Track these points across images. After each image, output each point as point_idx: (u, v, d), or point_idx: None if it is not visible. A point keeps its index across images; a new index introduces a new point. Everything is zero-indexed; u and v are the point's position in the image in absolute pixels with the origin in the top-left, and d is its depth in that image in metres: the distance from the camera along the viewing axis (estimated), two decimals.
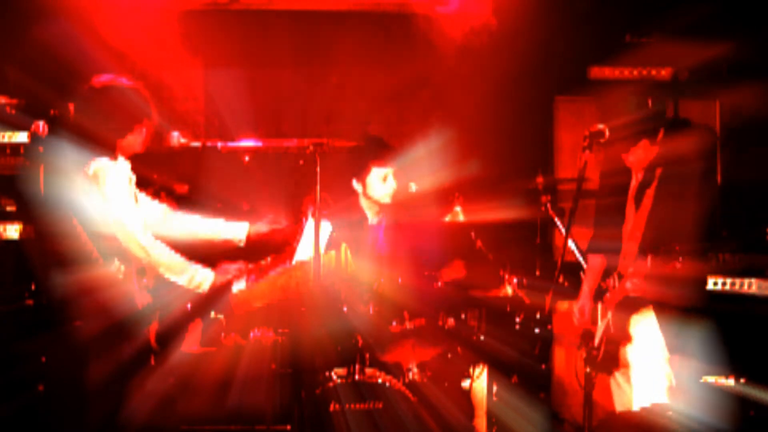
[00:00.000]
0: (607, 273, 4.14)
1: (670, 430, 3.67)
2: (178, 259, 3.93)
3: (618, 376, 4.05)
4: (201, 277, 3.94)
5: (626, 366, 3.97)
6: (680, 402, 3.76)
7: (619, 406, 4.08)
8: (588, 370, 4.02)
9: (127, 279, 3.82)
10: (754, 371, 4.03)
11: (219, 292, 4.02)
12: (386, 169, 4.78)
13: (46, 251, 3.83)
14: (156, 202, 4.21)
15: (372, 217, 4.89)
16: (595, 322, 4.11)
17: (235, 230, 4.34)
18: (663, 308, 3.79)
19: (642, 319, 3.88)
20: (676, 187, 3.82)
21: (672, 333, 3.79)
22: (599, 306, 4.11)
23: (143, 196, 4.15)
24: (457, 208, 5.21)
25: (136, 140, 3.99)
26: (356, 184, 4.83)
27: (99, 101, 3.90)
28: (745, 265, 4.47)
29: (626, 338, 3.91)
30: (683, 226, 3.68)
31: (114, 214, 3.78)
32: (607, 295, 4.01)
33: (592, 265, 4.30)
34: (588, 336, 4.11)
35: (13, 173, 4.79)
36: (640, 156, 3.99)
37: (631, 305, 3.88)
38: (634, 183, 4.07)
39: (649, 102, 3.93)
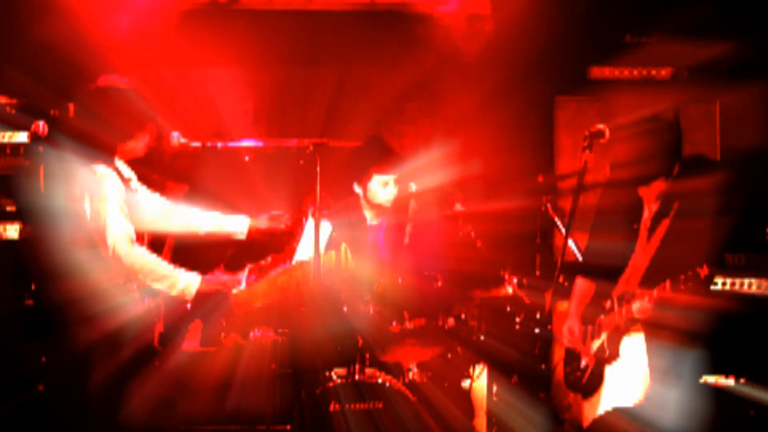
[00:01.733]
0: (600, 295, 4.08)
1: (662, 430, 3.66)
2: (159, 266, 3.87)
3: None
4: (184, 283, 3.88)
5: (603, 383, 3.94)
6: (670, 405, 3.75)
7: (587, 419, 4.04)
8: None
9: (123, 280, 3.81)
10: (754, 371, 4.02)
11: (217, 294, 4.01)
12: (388, 176, 4.79)
13: (45, 252, 3.82)
14: (157, 195, 4.16)
15: (371, 219, 4.89)
16: (583, 343, 4.05)
17: (236, 224, 4.31)
18: (657, 331, 3.74)
19: (631, 339, 3.84)
20: (691, 223, 3.77)
21: (662, 356, 3.75)
22: (589, 328, 4.04)
23: (144, 190, 4.12)
24: (458, 207, 5.20)
25: (137, 145, 3.96)
26: (357, 188, 4.85)
27: (102, 103, 3.87)
28: (745, 264, 4.47)
29: (615, 359, 3.87)
30: (691, 263, 3.63)
31: (98, 223, 3.75)
32: (603, 317, 3.95)
33: (580, 289, 4.19)
34: (572, 357, 4.08)
35: (13, 173, 4.78)
36: (654, 190, 3.94)
37: (624, 327, 3.84)
38: (647, 215, 4.00)
39: (666, 137, 3.86)
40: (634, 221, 3.97)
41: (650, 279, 3.73)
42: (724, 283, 4.31)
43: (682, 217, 3.80)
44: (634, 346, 3.81)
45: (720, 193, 3.75)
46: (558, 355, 5.06)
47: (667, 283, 3.51)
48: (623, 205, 4.04)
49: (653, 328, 3.72)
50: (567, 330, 4.10)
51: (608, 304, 3.91)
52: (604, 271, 4.03)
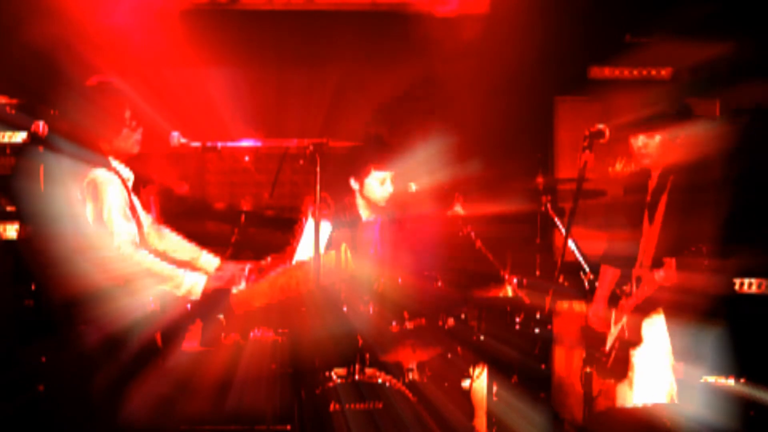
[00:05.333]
0: (622, 280, 4.12)
1: (664, 426, 3.67)
2: (164, 267, 3.87)
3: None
4: (190, 283, 3.89)
5: (632, 369, 3.96)
6: (678, 401, 3.76)
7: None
8: (588, 370, 4.02)
9: (127, 282, 3.81)
10: (754, 371, 4.03)
11: (218, 293, 4.01)
12: (385, 173, 4.78)
13: (45, 253, 3.82)
14: (144, 213, 4.17)
15: (367, 216, 4.89)
16: (608, 327, 4.09)
17: (208, 262, 4.26)
18: (676, 313, 3.75)
19: (652, 323, 3.86)
20: (688, 196, 3.78)
21: (683, 338, 3.76)
22: (613, 312, 4.08)
23: (137, 203, 4.11)
24: (458, 207, 5.20)
25: (126, 143, 3.95)
26: (354, 183, 4.84)
27: (83, 104, 3.87)
28: (746, 265, 4.47)
29: (638, 342, 3.89)
30: (696, 237, 3.63)
31: (101, 226, 3.75)
32: (623, 300, 3.98)
33: (604, 275, 4.28)
34: (597, 341, 4.09)
35: (13, 173, 4.78)
36: (655, 149, 3.93)
37: (644, 310, 3.86)
38: (649, 189, 4.03)
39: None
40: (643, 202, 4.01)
41: (659, 258, 3.74)
42: None
43: (677, 191, 3.82)
44: (656, 328, 3.82)
45: (717, 163, 3.76)
46: (558, 355, 5.07)
47: (673, 261, 3.52)
48: (636, 185, 4.06)
49: (673, 310, 3.73)
50: (592, 313, 4.14)
51: (628, 288, 3.93)
52: (623, 258, 4.06)
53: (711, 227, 3.67)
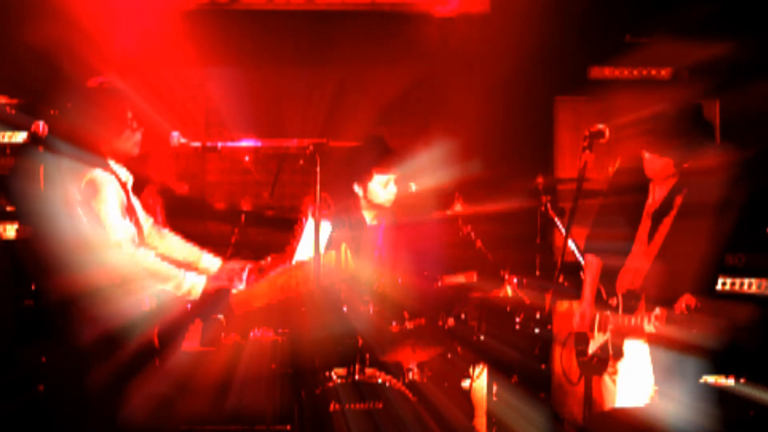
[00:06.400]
0: (606, 280, 4.08)
1: (663, 427, 3.66)
2: (164, 267, 3.87)
3: (607, 377, 4.03)
4: (190, 283, 3.89)
5: (616, 373, 3.95)
6: (673, 402, 3.75)
7: (608, 404, 4.06)
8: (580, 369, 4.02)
9: (126, 281, 3.81)
10: (754, 371, 4.03)
11: (218, 293, 4.01)
12: (388, 176, 4.78)
13: (44, 253, 3.82)
14: (144, 214, 4.17)
15: (371, 220, 4.89)
16: (593, 329, 4.06)
17: (209, 264, 4.24)
18: (659, 338, 3.74)
19: (634, 344, 3.85)
20: (694, 219, 3.75)
21: (666, 355, 3.75)
22: (598, 316, 4.05)
23: (138, 205, 4.11)
24: (458, 207, 5.20)
25: (126, 144, 3.94)
26: (357, 188, 4.83)
27: (85, 105, 3.87)
28: (746, 264, 4.46)
29: (621, 355, 3.87)
30: (695, 261, 3.61)
31: (100, 225, 3.75)
32: (609, 314, 3.94)
33: (589, 266, 4.24)
34: (582, 340, 4.08)
35: (12, 173, 4.78)
36: (661, 166, 3.92)
37: (627, 330, 3.85)
38: (650, 201, 3.99)
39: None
40: (640, 206, 3.97)
41: (653, 279, 3.72)
42: (724, 283, 4.31)
43: (684, 214, 3.79)
44: (637, 347, 3.81)
45: (722, 188, 3.73)
46: (558, 355, 5.06)
47: (664, 313, 3.50)
48: (632, 186, 4.03)
49: (656, 336, 3.72)
50: (579, 315, 4.11)
51: (614, 301, 3.91)
52: (608, 248, 4.04)
53: (712, 256, 3.64)
